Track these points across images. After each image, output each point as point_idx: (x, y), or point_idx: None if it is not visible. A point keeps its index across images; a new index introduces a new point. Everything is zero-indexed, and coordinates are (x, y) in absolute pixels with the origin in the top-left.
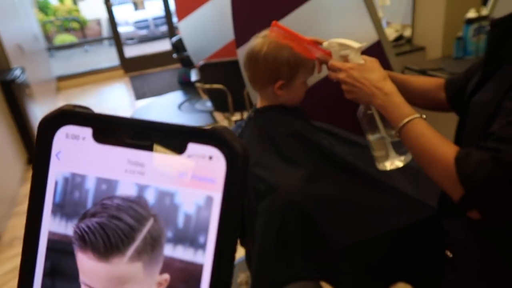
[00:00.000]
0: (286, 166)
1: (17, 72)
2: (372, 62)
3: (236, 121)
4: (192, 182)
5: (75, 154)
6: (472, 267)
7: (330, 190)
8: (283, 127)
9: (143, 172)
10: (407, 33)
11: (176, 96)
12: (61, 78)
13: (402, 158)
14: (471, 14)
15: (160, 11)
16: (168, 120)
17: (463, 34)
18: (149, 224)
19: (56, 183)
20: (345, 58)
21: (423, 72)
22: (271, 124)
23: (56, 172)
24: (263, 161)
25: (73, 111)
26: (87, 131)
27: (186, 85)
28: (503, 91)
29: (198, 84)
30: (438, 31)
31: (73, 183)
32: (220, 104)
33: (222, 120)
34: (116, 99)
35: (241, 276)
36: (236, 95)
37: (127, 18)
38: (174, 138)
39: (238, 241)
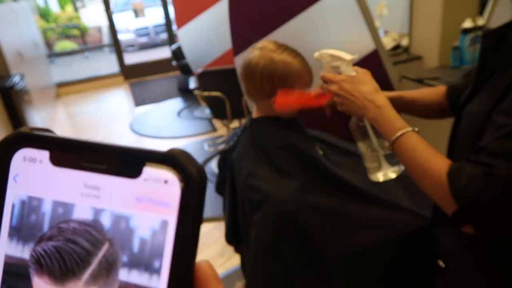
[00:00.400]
0: (279, 177)
1: (16, 79)
2: (364, 74)
3: (234, 129)
4: (148, 206)
5: (32, 177)
6: (463, 278)
7: (323, 202)
8: (276, 140)
9: (99, 196)
10: (405, 42)
11: (176, 103)
12: (60, 85)
13: (395, 169)
14: (468, 24)
15: (160, 19)
16: (165, 128)
17: (459, 43)
18: (105, 248)
19: (13, 206)
20: (336, 70)
21: (419, 81)
22: (265, 135)
23: (14, 195)
24: (258, 171)
25: (30, 134)
26: (44, 154)
27: (185, 92)
28: (493, 101)
29: (196, 92)
30: (434, 41)
31: (30, 206)
32: (218, 111)
33: (220, 127)
34: (115, 106)
35: (238, 285)
36: (235, 102)
37: (128, 25)
38: (130, 161)
39: (233, 248)
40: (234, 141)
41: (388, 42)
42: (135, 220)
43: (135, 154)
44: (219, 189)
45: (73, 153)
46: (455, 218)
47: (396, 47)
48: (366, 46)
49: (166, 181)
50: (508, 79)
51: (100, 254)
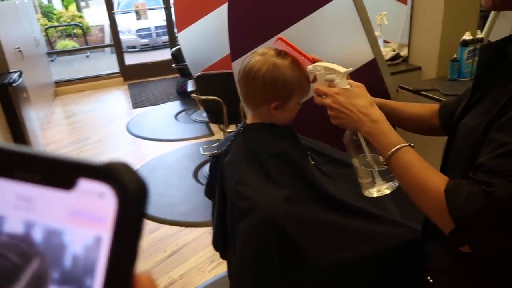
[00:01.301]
0: (268, 185)
1: (15, 76)
2: (358, 88)
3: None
4: (82, 221)
5: None
6: None
7: (310, 213)
8: (270, 147)
9: (31, 208)
10: (404, 52)
11: (174, 106)
12: (59, 83)
13: (389, 185)
14: (467, 36)
15: (162, 21)
16: (162, 130)
17: (458, 56)
18: (35, 263)
19: None
20: (330, 83)
21: (416, 92)
22: (258, 142)
23: None
24: (247, 178)
25: None
26: None
27: (184, 95)
28: (491, 115)
29: (194, 95)
30: (434, 52)
31: None
32: (215, 115)
33: (217, 131)
34: (113, 107)
35: None
36: (232, 107)
37: (130, 26)
38: (65, 172)
39: (220, 254)
40: (226, 146)
41: (387, 52)
42: (67, 235)
43: (70, 165)
44: (208, 193)
45: (5, 162)
46: (452, 237)
47: (396, 57)
48: (365, 55)
49: (102, 195)
50: (507, 94)
51: (30, 270)
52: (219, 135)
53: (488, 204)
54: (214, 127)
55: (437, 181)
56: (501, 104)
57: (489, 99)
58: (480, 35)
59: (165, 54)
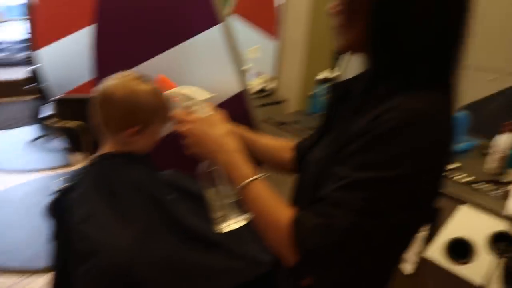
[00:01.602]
0: (118, 222)
1: None
2: (217, 116)
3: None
4: None
5: None
6: None
7: (162, 252)
8: (125, 178)
9: None
10: (274, 85)
11: (30, 131)
12: None
13: (242, 217)
14: (323, 75)
15: (20, 35)
16: (12, 159)
17: (315, 92)
18: None
19: None
20: (189, 110)
21: (278, 124)
22: (114, 172)
23: None
24: (95, 215)
25: None
26: None
27: (43, 120)
28: (334, 149)
29: (51, 121)
30: (296, 87)
31: None
32: (76, 144)
33: (78, 161)
34: None
35: None
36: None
37: None
38: None
39: None
40: (75, 180)
41: (258, 84)
42: None
43: None
44: (54, 235)
45: None
46: (296, 269)
47: (265, 90)
48: (233, 87)
49: None
50: (349, 128)
51: None
52: (79, 165)
53: (328, 236)
54: (75, 157)
55: (284, 213)
56: (344, 138)
57: (334, 133)
58: (336, 73)
59: (23, 72)
